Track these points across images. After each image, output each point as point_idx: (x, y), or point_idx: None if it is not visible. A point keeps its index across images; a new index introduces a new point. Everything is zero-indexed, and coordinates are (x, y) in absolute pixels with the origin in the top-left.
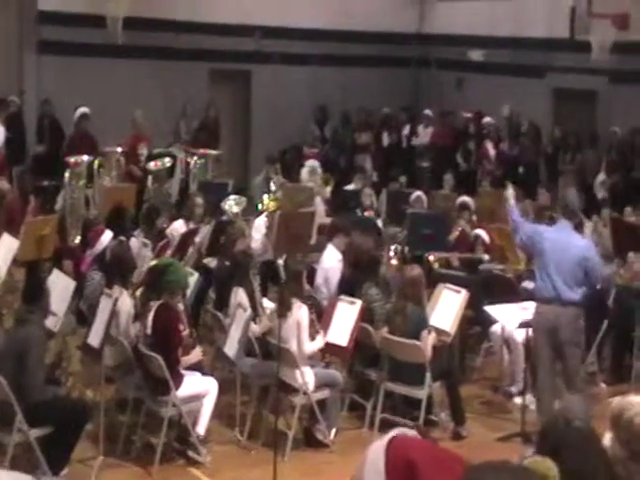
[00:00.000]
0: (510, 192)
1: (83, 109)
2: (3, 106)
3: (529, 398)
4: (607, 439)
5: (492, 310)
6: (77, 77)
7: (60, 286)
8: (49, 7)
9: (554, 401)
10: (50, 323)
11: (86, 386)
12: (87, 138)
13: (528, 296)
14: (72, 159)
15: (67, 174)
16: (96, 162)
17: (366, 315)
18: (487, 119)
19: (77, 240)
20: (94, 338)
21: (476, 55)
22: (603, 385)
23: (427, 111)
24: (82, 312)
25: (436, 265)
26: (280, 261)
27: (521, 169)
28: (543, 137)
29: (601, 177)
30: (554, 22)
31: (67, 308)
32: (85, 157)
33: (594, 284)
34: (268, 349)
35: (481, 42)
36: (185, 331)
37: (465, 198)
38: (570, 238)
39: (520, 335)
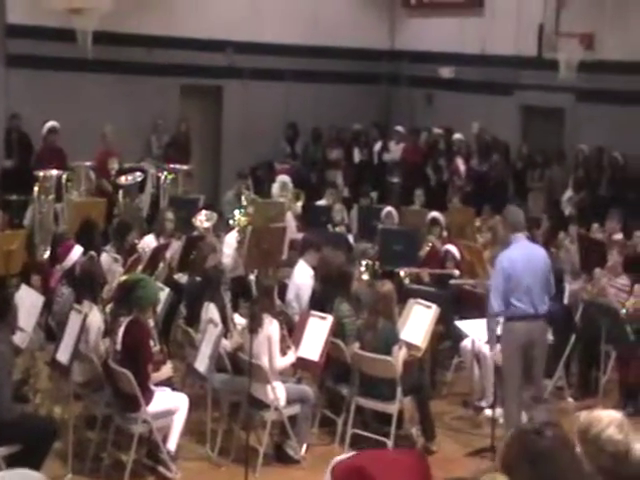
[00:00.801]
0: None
1: (51, 123)
2: None
3: (499, 412)
4: None
5: (462, 325)
6: (46, 91)
7: (28, 301)
8: (17, 20)
9: (521, 414)
10: (18, 339)
11: (54, 403)
12: (56, 152)
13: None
14: (41, 173)
15: (36, 188)
16: (65, 176)
17: (337, 330)
18: (457, 135)
19: (46, 255)
20: (63, 354)
21: (446, 72)
22: (571, 400)
23: (398, 127)
24: (51, 328)
25: (407, 280)
26: (251, 277)
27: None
28: (512, 154)
29: (568, 194)
30: (522, 40)
31: (35, 324)
32: (54, 171)
33: (552, 290)
34: (239, 365)
35: (451, 59)
36: (155, 347)
37: (435, 214)
38: (531, 250)
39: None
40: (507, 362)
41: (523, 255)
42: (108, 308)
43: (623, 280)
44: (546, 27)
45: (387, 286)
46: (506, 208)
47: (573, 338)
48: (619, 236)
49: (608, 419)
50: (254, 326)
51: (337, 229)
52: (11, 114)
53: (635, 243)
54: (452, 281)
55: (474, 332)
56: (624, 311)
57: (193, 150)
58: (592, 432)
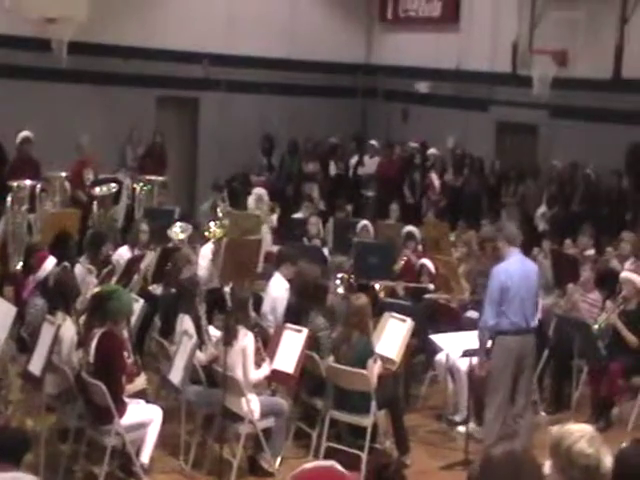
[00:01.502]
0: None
1: (25, 133)
2: None
3: (472, 426)
4: (547, 467)
5: (437, 339)
6: (20, 100)
7: (0, 312)
8: None
9: (497, 429)
10: None
11: (26, 415)
12: (30, 162)
13: (472, 325)
14: (14, 184)
15: (9, 199)
16: (39, 187)
17: (312, 343)
18: (432, 150)
19: (19, 266)
20: (35, 365)
21: (422, 87)
22: (543, 414)
23: (372, 141)
24: (23, 339)
25: (382, 294)
26: (226, 289)
27: (465, 200)
28: (486, 169)
29: (542, 209)
30: (497, 56)
31: (7, 334)
32: (28, 182)
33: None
34: (214, 377)
35: (427, 74)
36: (129, 359)
37: (411, 228)
38: (525, 266)
39: (464, 364)
40: (498, 375)
41: (520, 269)
42: (81, 319)
43: (595, 295)
44: (520, 44)
45: (362, 299)
46: (501, 223)
47: (546, 353)
48: (591, 252)
49: (579, 433)
50: (229, 338)
51: (313, 242)
52: None
53: (607, 259)
54: (427, 295)
55: (448, 346)
56: (596, 326)
57: (169, 161)
58: (564, 446)
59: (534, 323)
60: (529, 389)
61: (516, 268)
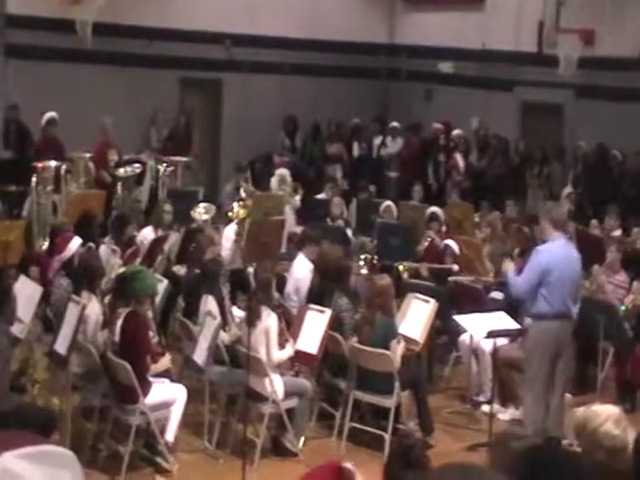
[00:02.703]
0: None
1: (50, 114)
2: None
3: (496, 407)
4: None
5: (461, 320)
6: (45, 82)
7: (26, 292)
8: (16, 10)
9: (541, 415)
10: (16, 330)
11: (52, 394)
12: (55, 143)
13: (496, 306)
14: (39, 165)
15: (34, 180)
16: (64, 168)
17: (335, 324)
18: (456, 132)
19: (44, 246)
20: (61, 345)
21: (445, 67)
22: (568, 395)
23: (394, 123)
24: (49, 319)
25: (405, 275)
26: (250, 269)
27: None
28: (510, 150)
29: (567, 190)
30: (522, 36)
31: (34, 314)
32: (53, 163)
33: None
34: (237, 357)
35: (450, 54)
36: (154, 339)
37: (434, 209)
38: (570, 252)
39: (488, 345)
40: (533, 361)
41: (563, 254)
42: (106, 300)
43: (621, 277)
44: (546, 23)
45: (385, 280)
46: (549, 204)
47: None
48: (618, 233)
49: (606, 414)
50: (252, 319)
51: (336, 223)
52: (9, 105)
53: (633, 240)
54: (451, 277)
55: (472, 327)
56: (622, 308)
57: (192, 142)
58: (589, 427)
59: (574, 310)
60: (566, 377)
61: (560, 252)
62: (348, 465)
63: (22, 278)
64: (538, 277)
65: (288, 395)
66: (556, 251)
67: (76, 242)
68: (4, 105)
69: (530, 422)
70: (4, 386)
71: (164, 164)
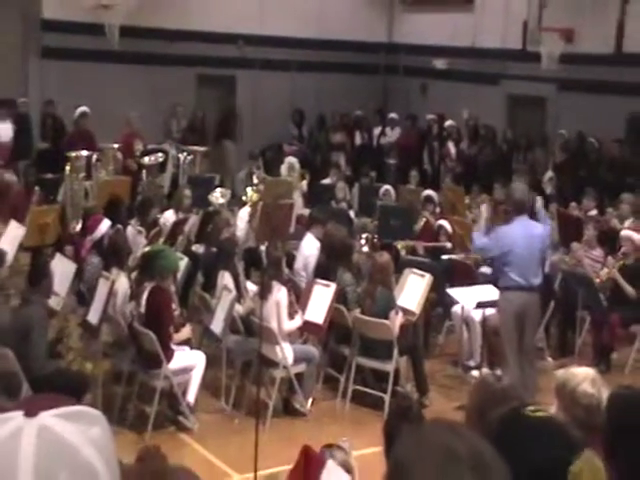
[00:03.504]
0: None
1: (82, 108)
2: (11, 106)
3: (485, 371)
4: (553, 407)
5: (453, 292)
6: (77, 80)
7: (62, 269)
8: (52, 16)
9: (518, 374)
10: (53, 302)
11: (85, 360)
12: (86, 135)
13: (485, 280)
14: (72, 154)
15: (68, 168)
16: (94, 157)
17: (340, 297)
18: (449, 122)
19: (78, 228)
20: (93, 316)
21: (439, 63)
22: (550, 359)
23: (392, 114)
24: (82, 293)
25: (403, 252)
26: (262, 248)
27: (479, 166)
28: (498, 138)
29: (549, 175)
30: (508, 34)
31: (68, 289)
32: (84, 152)
33: (544, 265)
34: (251, 327)
35: (444, 52)
36: (176, 311)
37: (429, 192)
38: (531, 230)
39: (477, 315)
40: (504, 327)
41: (522, 233)
42: (133, 275)
43: (597, 252)
44: (530, 22)
45: (385, 257)
46: (512, 186)
47: (552, 304)
48: (594, 213)
49: (583, 376)
50: (264, 292)
51: (340, 205)
52: (46, 101)
53: (608, 219)
54: (444, 254)
55: (464, 299)
56: (598, 280)
57: (208, 133)
58: (568, 387)
59: (536, 281)
60: (533, 341)
61: (518, 232)
62: (342, 444)
63: (58, 256)
64: (499, 251)
65: (297, 361)
66: (515, 232)
67: (106, 224)
68: (41, 101)
69: (512, 378)
70: (43, 353)
71: (184, 153)
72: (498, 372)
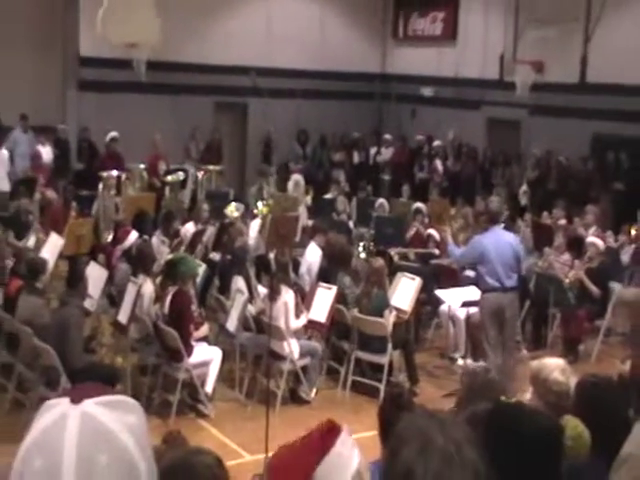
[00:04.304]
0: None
1: (113, 133)
2: (52, 132)
3: (469, 362)
4: (528, 394)
5: (440, 293)
6: (109, 108)
7: (95, 275)
8: (88, 53)
9: (498, 363)
10: (88, 304)
11: (116, 354)
12: (116, 157)
13: (469, 282)
14: (104, 174)
15: (101, 185)
16: (123, 176)
17: (340, 298)
18: (436, 142)
19: (109, 238)
20: (122, 316)
21: (426, 91)
22: (525, 351)
23: (386, 135)
24: (113, 295)
25: (396, 258)
26: (271, 255)
27: (462, 181)
28: (479, 156)
29: (524, 188)
30: (487, 66)
31: (101, 292)
32: (114, 172)
33: (520, 269)
34: (261, 325)
35: (430, 81)
36: (195, 311)
37: (419, 204)
38: (504, 238)
39: (462, 313)
40: (483, 323)
41: (494, 241)
42: (158, 280)
43: (566, 256)
44: (506, 55)
45: (379, 262)
46: (488, 200)
47: (527, 303)
48: (563, 222)
49: (554, 365)
50: (273, 294)
51: (340, 217)
52: (82, 127)
53: (575, 227)
54: (433, 261)
55: (450, 299)
56: (567, 281)
57: (224, 154)
58: (541, 376)
59: (510, 283)
60: (512, 336)
61: (491, 241)
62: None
63: (92, 263)
64: (473, 258)
65: (302, 355)
66: (487, 241)
67: (133, 235)
68: (78, 127)
69: (493, 367)
70: (79, 348)
71: (202, 171)
72: (484, 364)
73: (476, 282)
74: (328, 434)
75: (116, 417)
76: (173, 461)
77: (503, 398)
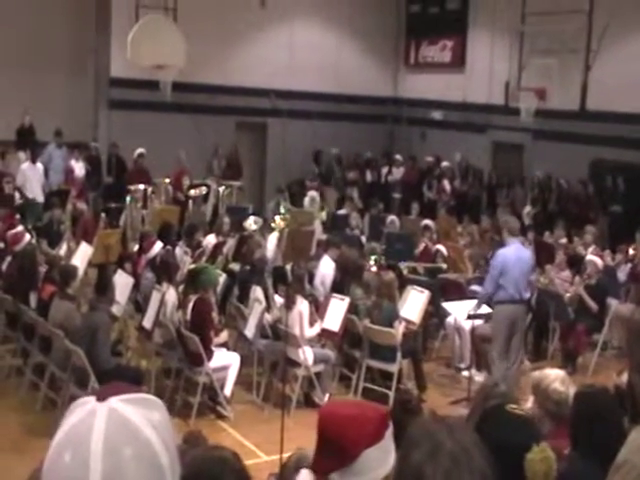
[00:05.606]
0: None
1: (140, 150)
2: (84, 149)
3: (473, 372)
4: (529, 402)
5: (447, 306)
6: (137, 126)
7: (122, 282)
8: (118, 74)
9: (503, 372)
10: (115, 309)
11: (141, 358)
12: (143, 172)
13: (474, 296)
14: (132, 187)
15: (128, 198)
16: (150, 190)
17: (352, 309)
18: (444, 163)
19: (135, 248)
20: (147, 322)
21: (436, 115)
22: (527, 362)
23: (397, 156)
24: (138, 302)
25: (406, 272)
26: (287, 267)
27: (469, 200)
28: (485, 177)
29: (527, 208)
30: (493, 92)
31: (127, 299)
32: (141, 186)
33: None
34: (278, 333)
35: (439, 105)
36: (216, 318)
37: (428, 221)
38: (522, 253)
39: (468, 325)
40: (496, 333)
41: (515, 254)
42: (180, 288)
43: (566, 273)
44: (511, 83)
45: (390, 275)
46: (506, 218)
47: (529, 317)
48: (564, 241)
49: (554, 376)
50: (289, 304)
51: (353, 232)
52: (111, 144)
53: (575, 246)
54: (440, 275)
55: (456, 311)
56: (567, 296)
57: (244, 171)
58: (542, 385)
59: (526, 295)
60: (520, 346)
61: (512, 253)
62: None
63: (119, 272)
64: (498, 272)
65: (316, 362)
66: (510, 252)
67: (158, 245)
68: (108, 144)
69: (496, 375)
70: (107, 351)
71: (223, 187)
72: (492, 377)
73: (487, 300)
74: (381, 425)
75: (141, 413)
76: (205, 452)
77: (512, 406)
